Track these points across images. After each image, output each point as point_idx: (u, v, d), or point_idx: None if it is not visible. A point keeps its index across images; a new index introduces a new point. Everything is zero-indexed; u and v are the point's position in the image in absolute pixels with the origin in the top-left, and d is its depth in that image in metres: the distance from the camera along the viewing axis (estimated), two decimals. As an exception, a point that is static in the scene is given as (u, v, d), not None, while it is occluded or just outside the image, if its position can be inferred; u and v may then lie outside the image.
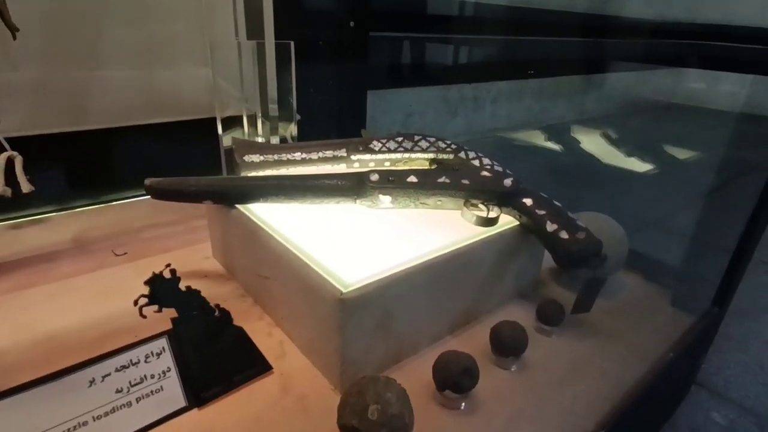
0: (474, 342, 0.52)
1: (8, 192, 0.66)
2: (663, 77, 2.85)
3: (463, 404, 0.45)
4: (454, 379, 0.42)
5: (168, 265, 0.46)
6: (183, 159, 0.87)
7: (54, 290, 0.58)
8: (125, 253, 0.67)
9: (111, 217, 0.77)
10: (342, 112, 1.08)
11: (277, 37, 0.73)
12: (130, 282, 0.59)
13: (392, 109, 1.54)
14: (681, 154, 2.00)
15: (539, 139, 2.02)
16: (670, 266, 0.79)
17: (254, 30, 0.73)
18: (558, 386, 0.48)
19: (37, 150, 0.69)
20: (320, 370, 0.47)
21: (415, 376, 0.46)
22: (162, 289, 0.44)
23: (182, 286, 0.47)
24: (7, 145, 0.67)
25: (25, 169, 0.67)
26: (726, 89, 2.69)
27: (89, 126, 0.75)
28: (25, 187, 0.67)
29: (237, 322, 0.50)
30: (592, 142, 1.99)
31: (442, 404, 0.45)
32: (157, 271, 0.47)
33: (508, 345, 0.48)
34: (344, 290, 0.41)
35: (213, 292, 0.54)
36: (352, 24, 1.01)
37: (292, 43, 0.69)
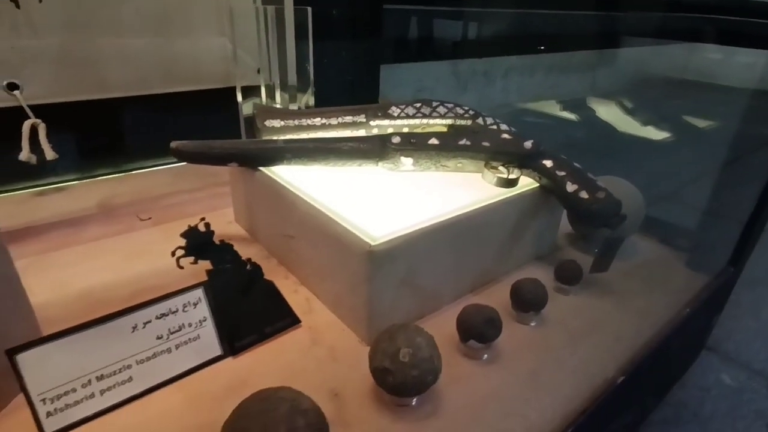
0: (494, 300, 0.53)
1: (33, 159, 0.67)
2: (675, 52, 2.80)
3: (485, 355, 0.47)
4: (479, 329, 0.44)
5: (202, 219, 0.48)
6: (199, 129, 0.88)
7: (85, 251, 0.60)
8: (150, 218, 0.68)
9: (133, 185, 0.79)
10: (355, 85, 1.08)
11: (291, 7, 0.73)
12: (156, 245, 0.61)
13: (403, 83, 1.53)
14: (693, 129, 1.99)
15: (549, 114, 2.01)
16: (686, 230, 0.80)
17: (271, -4, 0.73)
18: (575, 342, 0.50)
19: (58, 118, 0.70)
20: (347, 324, 0.49)
21: (438, 330, 0.47)
22: (197, 242, 0.46)
23: (215, 240, 0.48)
24: (30, 113, 0.68)
25: (48, 137, 0.69)
26: (740, 64, 2.64)
27: (109, 94, 0.76)
28: (49, 154, 0.69)
29: (264, 281, 0.52)
30: (604, 117, 1.97)
31: (466, 354, 0.46)
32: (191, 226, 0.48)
33: (528, 300, 0.49)
34: (373, 243, 0.42)
35: (239, 254, 0.56)
36: (365, -7, 1.00)
37: (310, 9, 0.69)
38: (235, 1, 0.80)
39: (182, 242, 0.47)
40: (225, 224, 0.68)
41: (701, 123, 2.02)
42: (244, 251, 0.60)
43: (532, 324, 0.51)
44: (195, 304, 0.42)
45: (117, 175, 0.82)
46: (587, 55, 2.36)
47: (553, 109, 2.02)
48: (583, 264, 0.57)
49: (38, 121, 0.68)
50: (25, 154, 0.66)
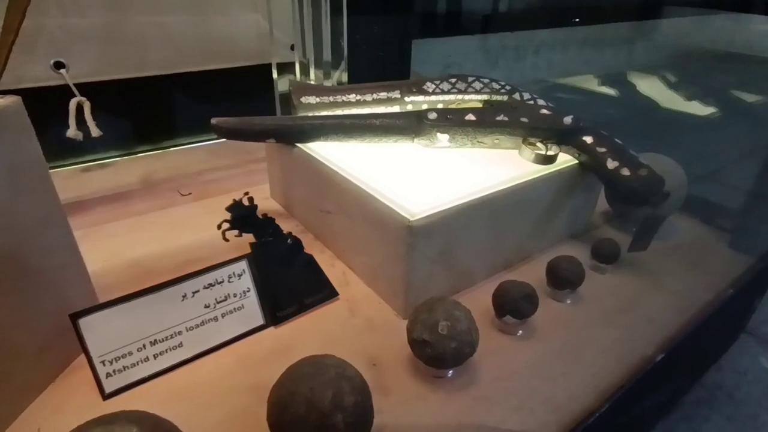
0: (528, 277, 0.53)
1: (80, 135, 0.70)
2: (719, 23, 2.64)
3: (520, 331, 0.47)
4: (516, 304, 0.44)
5: (246, 193, 0.49)
6: (233, 106, 0.89)
7: (131, 224, 0.62)
8: (190, 194, 0.70)
9: (171, 161, 0.81)
10: (386, 60, 1.07)
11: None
12: (198, 218, 0.64)
13: (431, 59, 1.50)
14: (739, 105, 1.89)
15: (585, 90, 1.94)
16: (729, 210, 0.77)
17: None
18: (610, 321, 0.50)
19: (100, 96, 0.72)
20: (383, 298, 0.50)
21: (472, 306, 0.48)
22: (241, 215, 0.48)
23: (258, 214, 0.50)
24: (76, 91, 0.71)
25: (92, 114, 0.71)
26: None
27: (148, 72, 0.78)
28: (94, 131, 0.71)
29: (301, 254, 0.53)
30: (645, 92, 1.89)
31: (501, 329, 0.47)
32: (225, 206, 0.50)
33: (565, 277, 0.49)
34: (411, 219, 0.42)
35: (276, 228, 0.57)
36: (397, -35, 0.98)
37: (345, -18, 0.68)
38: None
39: (224, 216, 0.49)
40: (261, 200, 0.68)
41: (749, 99, 1.91)
42: (281, 226, 0.62)
43: (567, 302, 0.51)
44: (239, 276, 0.43)
45: (156, 151, 0.85)
46: (624, 27, 2.25)
47: (589, 84, 1.95)
48: (619, 243, 0.56)
49: (83, 99, 0.71)
50: (72, 131, 0.69)
